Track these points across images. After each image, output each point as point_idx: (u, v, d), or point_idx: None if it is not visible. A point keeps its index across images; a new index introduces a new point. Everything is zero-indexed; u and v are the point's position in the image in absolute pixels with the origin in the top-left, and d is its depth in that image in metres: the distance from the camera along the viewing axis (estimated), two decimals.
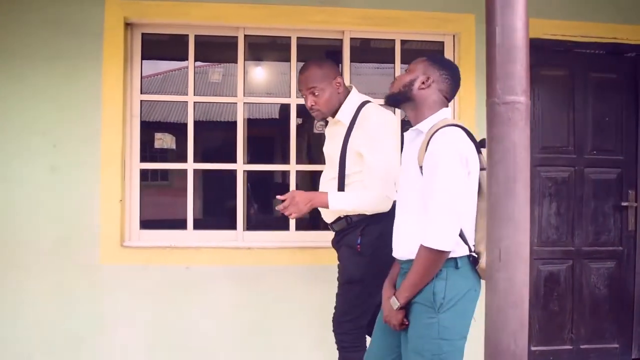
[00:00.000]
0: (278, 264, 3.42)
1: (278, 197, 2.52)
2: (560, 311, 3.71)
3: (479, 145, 2.06)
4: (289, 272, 3.42)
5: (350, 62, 3.52)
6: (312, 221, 3.65)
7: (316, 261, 3.40)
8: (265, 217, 3.70)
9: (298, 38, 3.51)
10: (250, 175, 3.58)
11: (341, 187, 2.54)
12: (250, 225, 3.54)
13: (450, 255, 1.98)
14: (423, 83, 2.10)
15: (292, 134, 3.48)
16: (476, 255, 2.03)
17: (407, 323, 2.08)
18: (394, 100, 2.18)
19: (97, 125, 3.31)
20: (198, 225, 3.49)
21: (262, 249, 3.41)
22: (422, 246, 1.96)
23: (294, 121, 3.49)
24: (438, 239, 1.92)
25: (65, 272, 3.30)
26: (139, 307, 3.35)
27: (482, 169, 2.01)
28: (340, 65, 3.52)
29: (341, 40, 3.53)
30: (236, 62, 3.49)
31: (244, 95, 3.47)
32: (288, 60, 3.54)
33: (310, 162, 3.67)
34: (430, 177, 1.96)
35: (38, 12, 3.30)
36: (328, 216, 2.64)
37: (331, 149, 2.65)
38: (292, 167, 3.49)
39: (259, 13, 3.40)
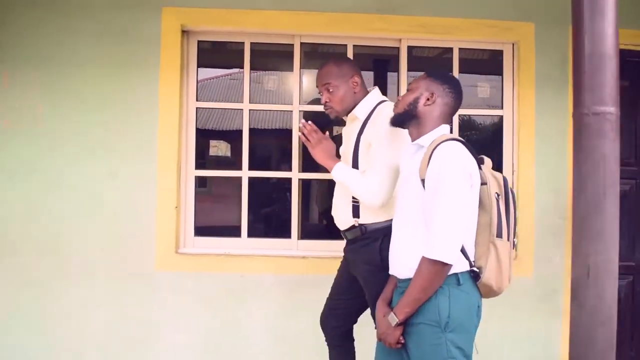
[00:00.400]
0: (332, 273, 3.38)
1: (310, 124, 2.56)
2: (620, 329, 3.58)
3: (479, 160, 2.07)
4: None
5: (408, 70, 3.47)
6: None
7: None
8: (318, 226, 3.66)
9: (354, 46, 3.48)
10: (304, 184, 3.55)
11: None
12: (304, 234, 3.51)
13: (452, 271, 1.96)
14: (428, 99, 2.10)
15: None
16: (477, 270, 2.01)
17: (403, 342, 2.06)
18: (400, 121, 2.17)
19: (154, 133, 3.32)
20: (252, 232, 3.47)
21: (316, 258, 3.38)
22: (424, 258, 1.94)
23: None
24: (442, 250, 1.90)
25: (121, 279, 3.32)
26: (193, 313, 3.35)
27: (482, 183, 2.02)
28: (397, 73, 3.49)
29: (398, 48, 3.49)
30: (291, 70, 3.47)
31: (299, 103, 3.45)
32: None
33: None
34: (433, 190, 1.95)
35: (95, 21, 3.33)
36: (341, 223, 2.59)
37: (345, 148, 2.61)
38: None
39: (316, 20, 3.38)
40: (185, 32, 3.40)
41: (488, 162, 2.13)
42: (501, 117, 3.52)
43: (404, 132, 2.25)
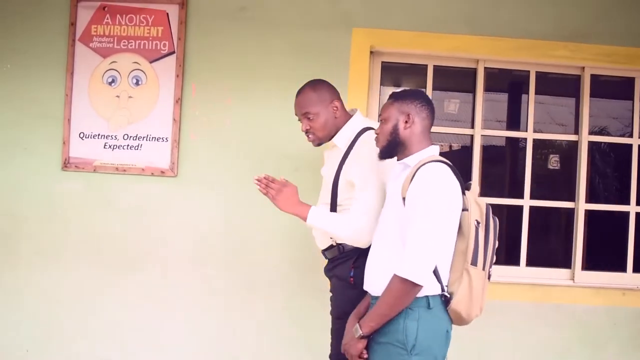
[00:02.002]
0: (509, 299, 3.36)
1: (265, 177, 2.41)
2: None
3: (464, 186, 2.05)
4: (517, 309, 3.36)
5: (590, 97, 3.47)
6: (543, 258, 3.56)
7: (546, 299, 3.36)
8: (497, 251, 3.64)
9: (537, 72, 3.49)
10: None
11: (334, 210, 2.46)
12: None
13: (423, 294, 1.94)
14: (406, 122, 2.10)
15: (528, 168, 3.46)
16: (448, 296, 1.98)
17: (365, 356, 2.05)
18: (387, 154, 2.16)
19: None
20: None
21: (493, 283, 3.34)
22: (395, 276, 1.93)
23: (529, 155, 3.48)
24: (413, 270, 1.90)
25: (296, 295, 3.32)
26: None
27: (464, 209, 2.00)
28: (576, 100, 3.49)
29: (579, 75, 3.49)
30: (473, 92, 3.49)
31: (481, 128, 3.46)
32: (526, 92, 3.52)
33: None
34: (412, 209, 1.95)
35: (284, 38, 3.39)
36: (320, 242, 2.56)
37: (326, 173, 2.57)
38: (526, 202, 3.45)
39: (500, 46, 3.40)
40: (371, 53, 3.44)
41: (475, 188, 2.12)
42: None
43: (389, 165, 2.22)
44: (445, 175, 2.00)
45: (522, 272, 3.46)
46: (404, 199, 1.99)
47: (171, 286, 3.35)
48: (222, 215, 3.37)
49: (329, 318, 2.58)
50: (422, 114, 2.12)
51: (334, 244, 2.48)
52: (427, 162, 2.00)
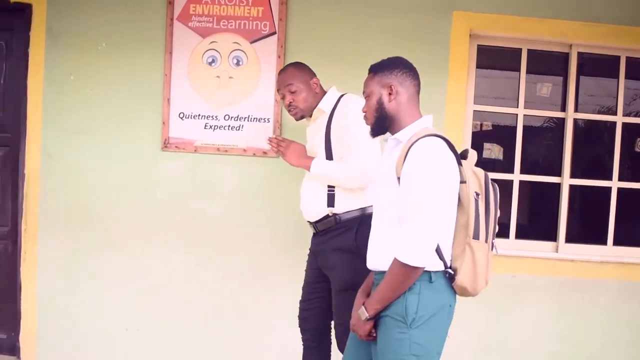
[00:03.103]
0: (598, 278, 3.49)
1: (275, 136, 2.76)
2: None
3: (461, 156, 2.00)
4: (608, 287, 3.49)
5: None
6: (631, 237, 3.69)
7: (635, 277, 3.49)
8: (583, 231, 3.75)
9: (627, 58, 3.58)
10: (572, 189, 3.63)
11: None
12: (569, 238, 3.59)
13: (425, 269, 1.90)
14: (390, 94, 2.02)
15: (617, 151, 3.56)
16: (452, 272, 1.95)
17: (374, 335, 2.02)
18: (378, 130, 2.09)
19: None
20: (519, 234, 3.58)
21: (584, 262, 3.47)
22: (395, 260, 1.88)
23: (618, 138, 3.58)
24: (412, 254, 1.84)
25: None
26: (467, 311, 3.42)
27: (461, 181, 1.95)
28: None
29: None
30: (565, 77, 3.58)
31: (574, 111, 3.55)
32: (615, 77, 3.61)
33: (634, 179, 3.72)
34: (407, 190, 1.88)
35: (384, 21, 3.41)
36: (313, 214, 2.66)
37: (313, 144, 2.71)
38: (615, 184, 3.57)
39: (591, 31, 3.48)
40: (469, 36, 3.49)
41: (472, 156, 2.05)
42: None
43: None
44: (439, 149, 1.90)
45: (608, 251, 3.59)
46: (398, 178, 1.92)
47: (274, 268, 3.39)
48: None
49: None
50: (405, 82, 2.03)
51: (330, 214, 2.56)
52: (420, 138, 1.90)
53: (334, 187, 2.57)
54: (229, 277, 3.40)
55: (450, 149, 1.94)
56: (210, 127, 3.38)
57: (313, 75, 2.73)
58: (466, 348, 3.43)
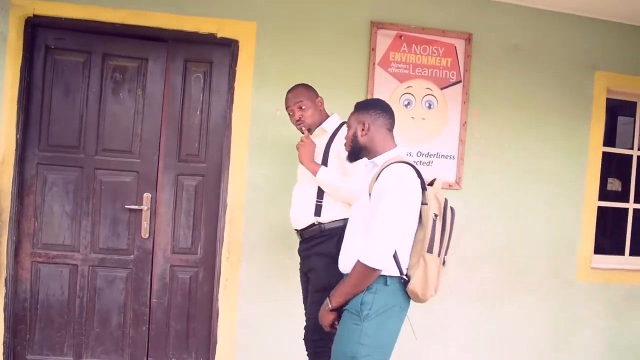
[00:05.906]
0: None
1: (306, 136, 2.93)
2: None
3: (429, 184, 2.34)
4: None
5: None
6: None
7: None
8: None
9: None
10: None
11: (321, 192, 2.84)
12: None
13: (382, 273, 2.22)
14: (363, 130, 2.38)
15: None
16: (407, 278, 2.26)
17: (337, 326, 2.36)
18: (353, 156, 2.47)
19: (583, 169, 4.11)
20: (633, 252, 4.35)
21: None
22: (358, 261, 2.21)
23: None
24: (372, 257, 2.17)
25: (550, 287, 4.09)
26: (599, 317, 4.18)
27: (423, 203, 2.27)
28: None
29: None
30: None
31: None
32: None
33: None
34: (374, 204, 2.22)
35: (548, 76, 4.04)
36: (301, 222, 2.90)
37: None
38: None
39: None
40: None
41: (437, 184, 2.34)
42: None
43: None
44: (406, 174, 2.24)
45: None
46: (370, 194, 2.27)
47: (457, 284, 3.92)
48: (501, 224, 4.01)
49: None
50: (377, 121, 2.38)
51: (315, 223, 2.82)
52: (392, 163, 2.26)
53: (322, 198, 2.82)
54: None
55: (417, 175, 2.29)
56: None
57: (318, 95, 2.98)
58: (597, 348, 4.18)
